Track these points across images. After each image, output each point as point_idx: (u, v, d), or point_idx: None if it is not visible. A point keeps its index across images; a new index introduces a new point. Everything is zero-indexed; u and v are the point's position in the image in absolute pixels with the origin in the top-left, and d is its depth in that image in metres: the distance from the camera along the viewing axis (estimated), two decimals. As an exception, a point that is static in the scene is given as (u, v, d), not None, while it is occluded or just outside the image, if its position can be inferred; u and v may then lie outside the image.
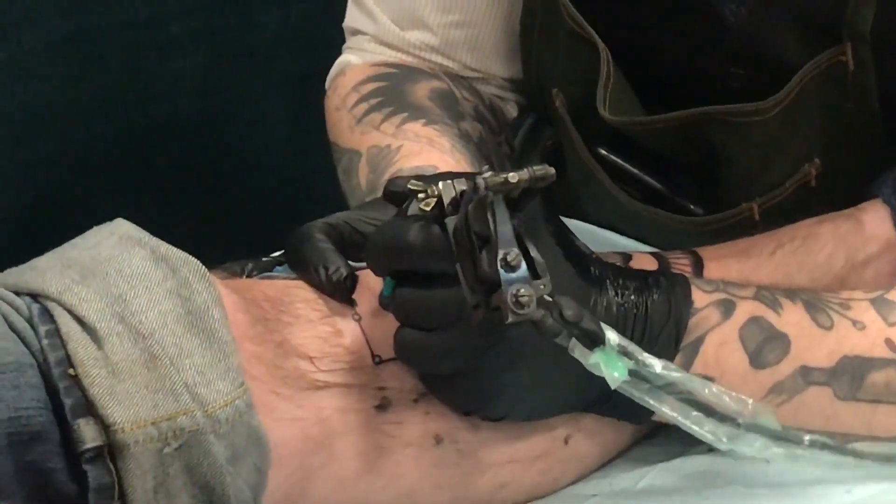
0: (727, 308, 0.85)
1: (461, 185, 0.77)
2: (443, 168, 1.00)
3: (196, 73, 1.63)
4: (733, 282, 0.87)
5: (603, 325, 0.75)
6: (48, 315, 0.79)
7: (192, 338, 0.79)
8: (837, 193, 1.00)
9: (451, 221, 0.77)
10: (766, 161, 1.04)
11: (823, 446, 0.80)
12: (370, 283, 0.86)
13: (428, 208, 0.78)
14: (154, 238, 0.83)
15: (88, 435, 0.75)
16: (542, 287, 0.73)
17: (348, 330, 0.85)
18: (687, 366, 0.83)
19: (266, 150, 1.70)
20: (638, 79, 1.09)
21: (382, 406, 0.84)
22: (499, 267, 0.73)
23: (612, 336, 0.75)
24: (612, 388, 0.75)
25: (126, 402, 0.76)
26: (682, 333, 0.83)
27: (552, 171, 0.74)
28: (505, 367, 0.80)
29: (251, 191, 1.68)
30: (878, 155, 1.01)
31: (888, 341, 0.85)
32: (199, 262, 0.82)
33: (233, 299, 0.84)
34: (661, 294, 0.83)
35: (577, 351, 0.75)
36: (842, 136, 1.02)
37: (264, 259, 0.96)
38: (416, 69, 1.16)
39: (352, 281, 0.85)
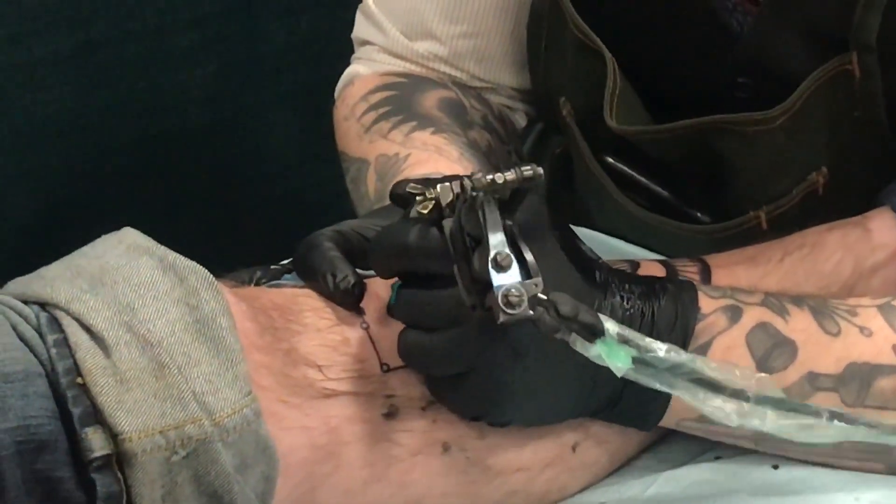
0: (734, 314, 0.85)
1: (458, 188, 0.77)
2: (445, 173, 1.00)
3: (204, 83, 1.63)
4: (741, 288, 0.87)
5: (601, 315, 0.75)
6: (56, 324, 0.79)
7: (200, 346, 0.79)
8: (845, 202, 0.99)
9: (448, 224, 0.77)
10: (773, 170, 1.04)
11: (833, 416, 0.79)
12: (378, 292, 0.86)
13: (426, 211, 0.78)
14: (162, 247, 0.84)
15: (96, 444, 0.75)
16: (534, 286, 0.73)
17: (356, 338, 0.85)
18: None
19: (274, 160, 1.70)
20: (645, 88, 1.09)
21: (390, 414, 0.84)
22: (489, 267, 0.73)
23: (610, 326, 0.75)
24: (619, 376, 0.75)
25: (134, 410, 0.76)
26: (689, 339, 0.83)
27: (540, 170, 0.75)
28: (507, 367, 0.80)
29: (259, 200, 1.68)
30: (885, 164, 1.01)
31: (895, 348, 0.85)
32: (206, 270, 0.83)
33: (241, 308, 0.84)
34: (668, 299, 0.83)
35: (579, 344, 0.75)
36: (849, 145, 1.02)
37: (273, 267, 0.97)
38: (424, 79, 1.16)
39: (360, 289, 0.86)
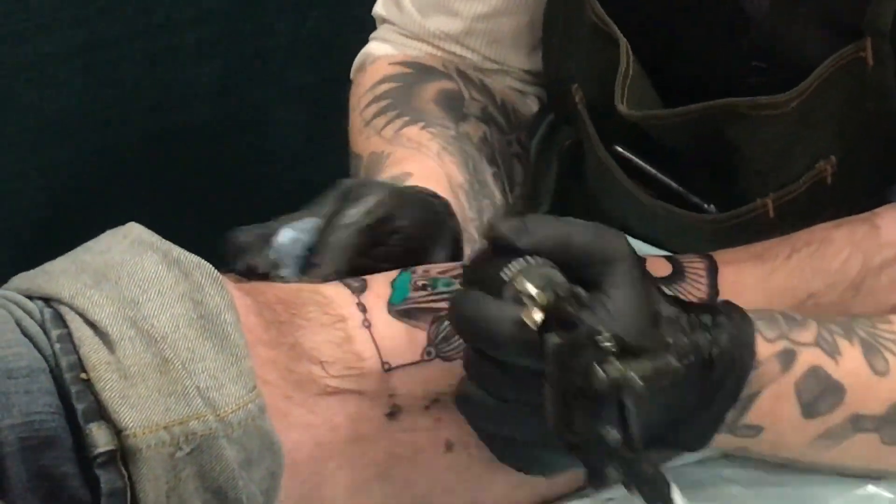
0: (788, 360, 0.85)
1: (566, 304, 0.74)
2: (417, 175, 1.00)
3: (211, 79, 1.63)
4: (794, 318, 0.86)
5: (673, 487, 0.73)
6: (60, 319, 0.79)
7: (205, 341, 0.79)
8: (853, 193, 0.99)
9: (550, 339, 0.73)
10: (783, 156, 1.03)
11: None
12: (380, 291, 0.86)
13: (534, 319, 0.74)
14: (166, 242, 0.83)
15: (101, 439, 0.75)
16: (633, 461, 0.71)
17: (359, 336, 0.85)
18: (740, 416, 0.84)
19: (280, 156, 1.70)
20: (658, 75, 1.09)
21: (393, 413, 0.84)
22: (595, 441, 0.71)
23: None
24: None
25: (138, 406, 0.76)
26: (742, 389, 0.83)
27: (677, 364, 0.72)
28: (563, 464, 0.80)
29: (265, 196, 1.68)
30: (894, 156, 1.00)
31: None
32: (211, 265, 0.82)
33: (245, 302, 0.83)
34: (727, 341, 0.82)
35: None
36: (859, 134, 1.01)
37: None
38: (429, 68, 1.16)
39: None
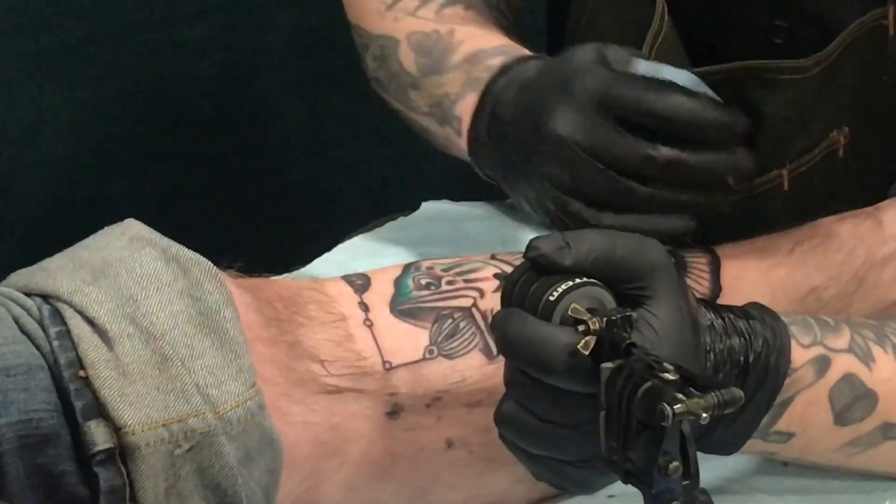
0: (822, 367, 0.84)
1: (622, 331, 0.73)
2: (507, 45, 1.00)
3: (212, 73, 1.62)
4: (827, 322, 0.86)
5: None
6: (59, 316, 0.79)
7: (204, 339, 0.79)
8: (864, 171, 0.98)
9: (605, 367, 0.71)
10: (801, 123, 1.02)
11: None
12: (382, 289, 0.86)
13: (587, 350, 0.73)
14: (165, 238, 0.83)
15: (99, 437, 0.75)
16: (694, 494, 0.69)
17: (360, 335, 0.84)
18: (772, 422, 0.83)
19: (281, 151, 1.70)
20: (689, 37, 1.07)
21: (394, 412, 0.84)
22: (656, 471, 0.69)
23: None
24: None
25: (137, 403, 0.76)
26: (777, 395, 0.82)
27: (739, 394, 0.70)
28: (601, 483, 0.79)
29: (267, 190, 1.68)
30: None
31: None
32: (209, 262, 0.82)
33: (245, 299, 0.83)
34: (763, 347, 0.82)
35: None
36: (872, 108, 1.00)
37: None
38: None
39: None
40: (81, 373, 0.76)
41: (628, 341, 0.72)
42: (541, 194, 0.92)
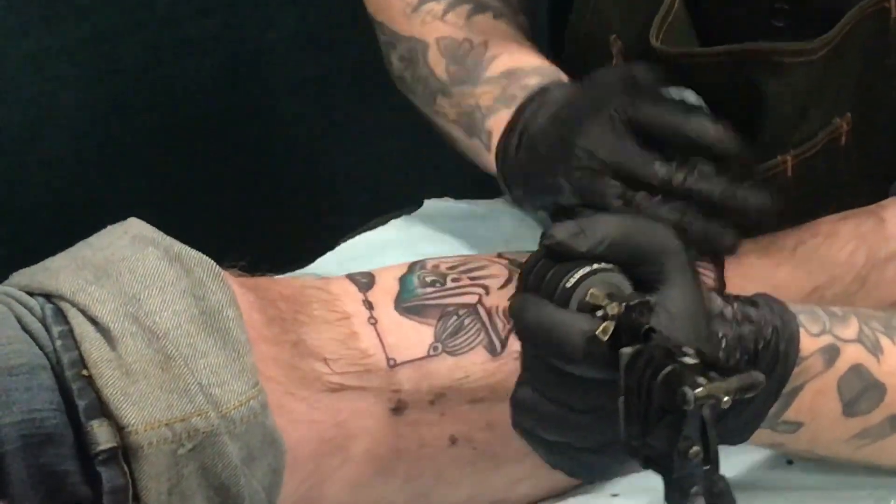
0: (831, 356, 0.83)
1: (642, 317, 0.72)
2: (544, 66, 1.01)
3: (212, 72, 1.62)
4: (835, 313, 0.85)
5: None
6: (62, 316, 0.79)
7: (207, 338, 0.79)
8: (866, 159, 0.98)
9: (625, 353, 0.71)
10: (805, 109, 1.02)
11: None
12: (387, 287, 0.86)
13: (605, 336, 0.72)
14: (167, 237, 0.83)
15: (102, 436, 0.75)
16: (709, 474, 0.69)
17: (364, 333, 0.84)
18: (781, 411, 0.83)
19: (284, 150, 1.70)
20: (697, 19, 1.07)
21: (398, 409, 0.84)
22: (676, 456, 0.69)
23: None
24: None
25: (140, 402, 0.76)
26: (786, 384, 0.82)
27: (761, 378, 0.70)
28: (616, 470, 0.79)
29: (268, 190, 1.68)
30: None
31: None
32: (212, 261, 0.82)
33: (248, 298, 0.83)
34: (772, 336, 0.81)
35: None
36: (875, 93, 1.00)
37: None
38: None
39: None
40: (84, 372, 0.77)
41: (647, 326, 0.71)
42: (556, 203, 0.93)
